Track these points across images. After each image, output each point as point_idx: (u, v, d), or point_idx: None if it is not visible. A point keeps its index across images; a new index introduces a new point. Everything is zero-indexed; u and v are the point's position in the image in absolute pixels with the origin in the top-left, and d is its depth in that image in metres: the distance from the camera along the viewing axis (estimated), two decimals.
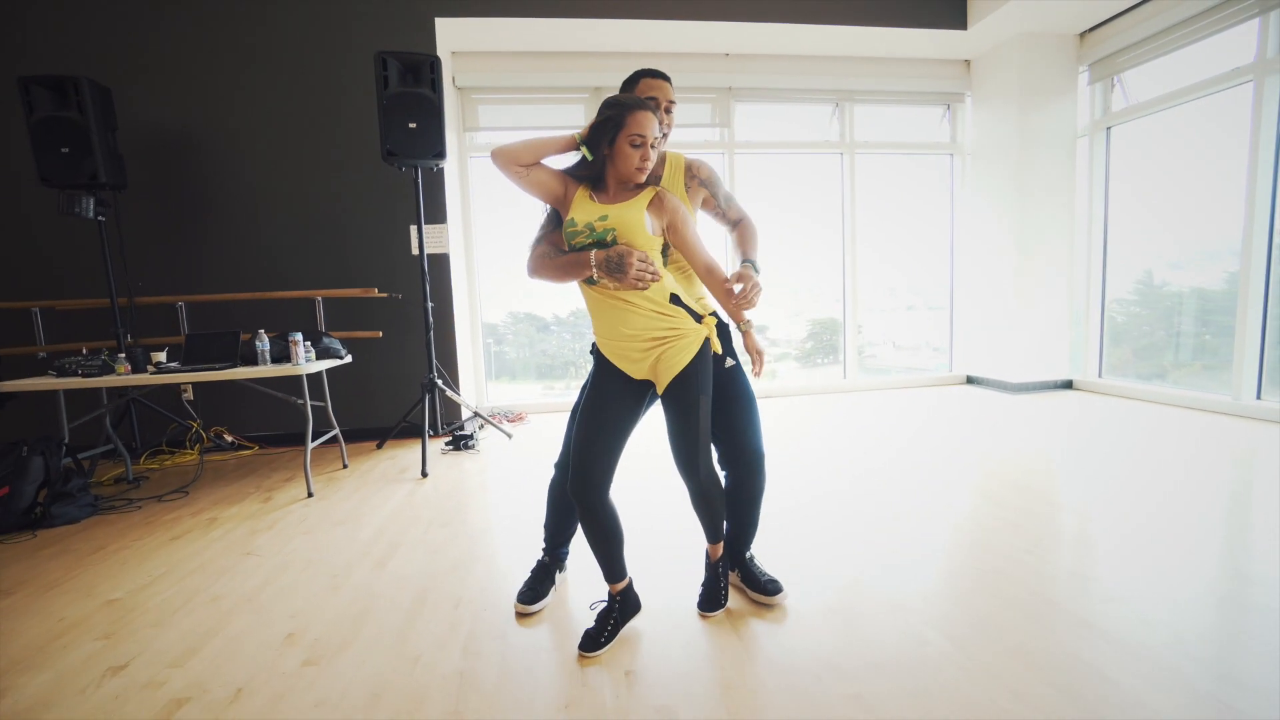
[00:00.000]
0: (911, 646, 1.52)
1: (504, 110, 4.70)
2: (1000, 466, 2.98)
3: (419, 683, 1.46)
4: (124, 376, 2.78)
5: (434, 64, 3.23)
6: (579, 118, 4.76)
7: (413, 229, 3.97)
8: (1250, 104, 3.68)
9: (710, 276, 1.61)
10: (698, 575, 1.83)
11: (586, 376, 1.71)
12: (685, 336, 1.54)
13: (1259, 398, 3.75)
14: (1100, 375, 4.83)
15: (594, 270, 1.47)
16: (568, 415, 1.79)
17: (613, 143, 1.49)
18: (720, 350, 1.63)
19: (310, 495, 2.93)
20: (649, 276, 1.47)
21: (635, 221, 1.49)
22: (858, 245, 5.26)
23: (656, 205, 1.54)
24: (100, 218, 3.35)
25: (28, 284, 3.76)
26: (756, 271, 1.63)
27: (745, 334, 1.63)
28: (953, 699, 1.31)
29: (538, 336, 5.14)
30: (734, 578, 1.85)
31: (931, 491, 2.67)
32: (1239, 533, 2.15)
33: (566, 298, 5.05)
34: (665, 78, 1.70)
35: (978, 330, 5.28)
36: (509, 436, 4.00)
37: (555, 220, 1.62)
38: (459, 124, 4.56)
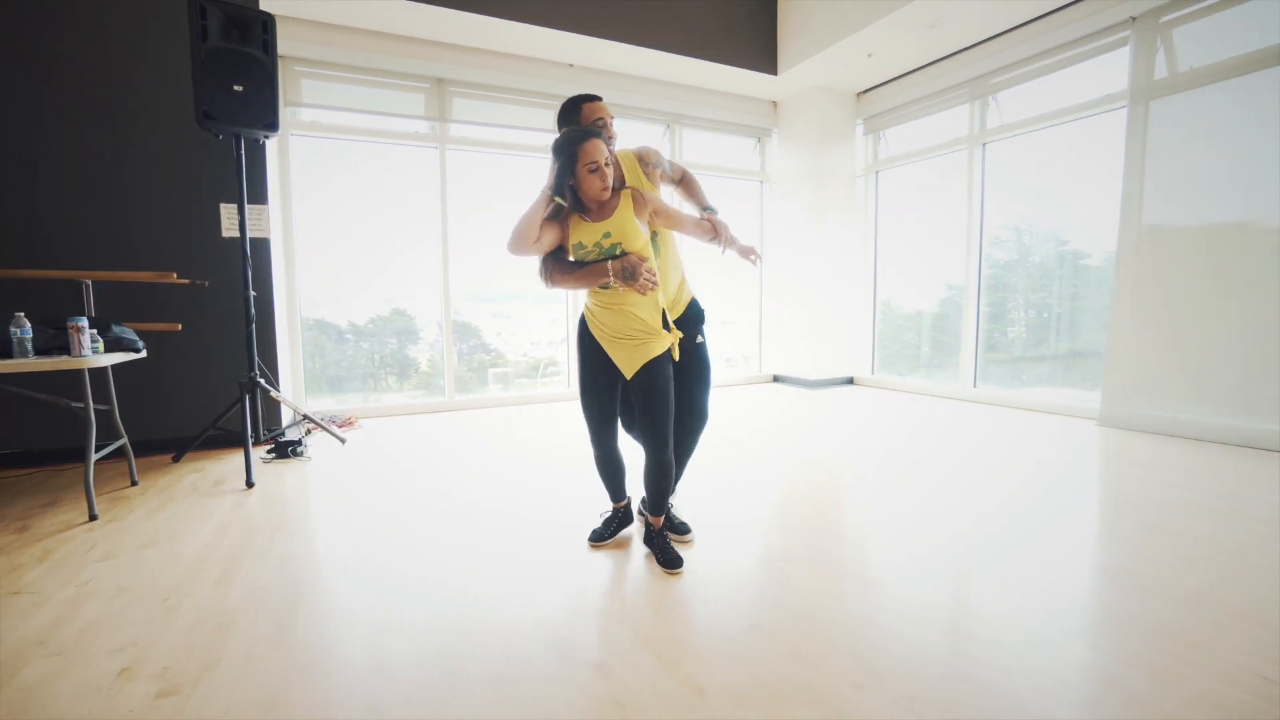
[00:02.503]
0: (783, 578, 1.79)
1: (331, 88, 4.29)
2: (806, 449, 3.53)
3: (325, 687, 1.33)
4: None
5: (267, 22, 2.86)
6: (417, 107, 4.54)
7: (225, 208, 3.43)
8: (966, 167, 4.87)
9: (697, 228, 2.02)
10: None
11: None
12: (657, 338, 1.88)
13: (975, 386, 4.95)
14: (873, 372, 5.92)
15: (611, 277, 1.80)
16: (410, 418, 1.86)
17: (573, 175, 1.78)
18: (677, 357, 1.98)
19: (94, 518, 2.38)
20: (653, 283, 1.81)
21: (630, 227, 1.82)
22: (688, 258, 5.75)
23: (638, 204, 1.87)
24: None
25: None
26: (716, 213, 2.06)
27: (734, 247, 2.07)
28: (826, 616, 1.59)
29: (327, 345, 4.65)
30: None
31: (758, 476, 3.08)
32: (976, 488, 2.85)
33: (368, 304, 4.71)
34: (600, 99, 1.99)
35: (783, 336, 6.12)
36: (342, 441, 3.63)
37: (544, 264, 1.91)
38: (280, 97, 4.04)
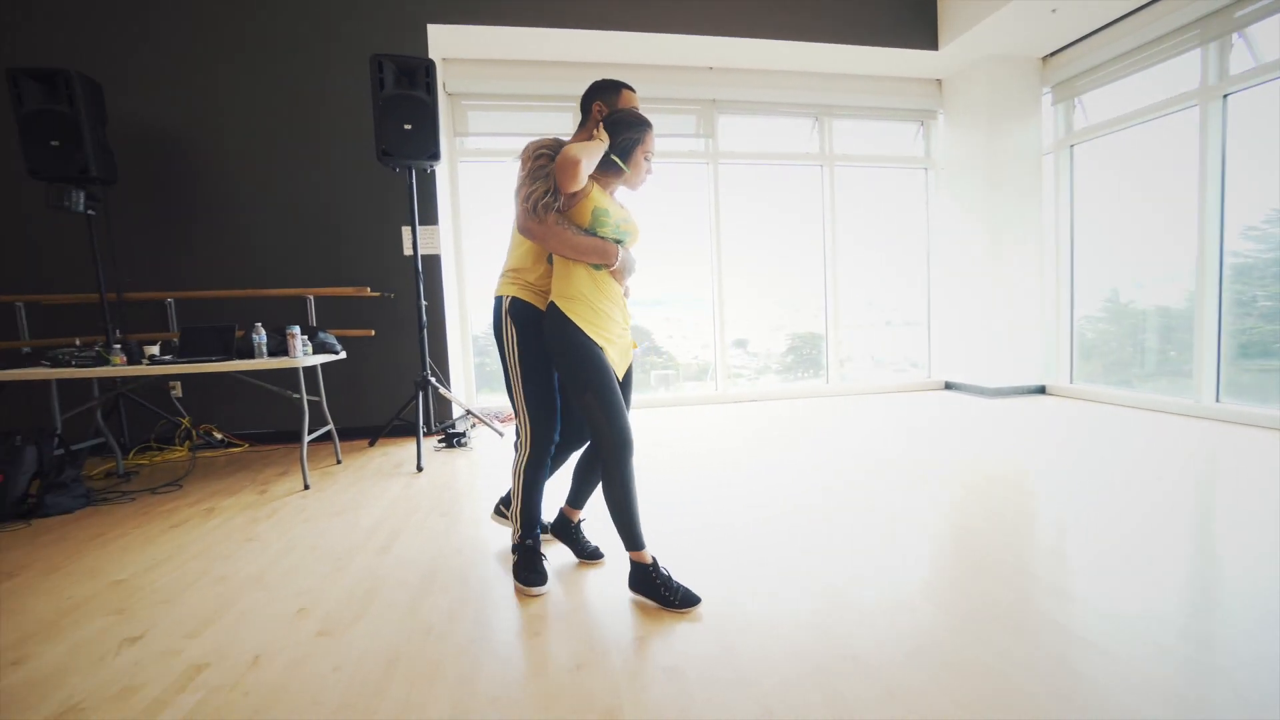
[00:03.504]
0: (903, 615, 1.63)
1: (492, 117, 4.80)
2: (982, 464, 3.13)
3: (434, 650, 1.52)
4: (119, 367, 2.79)
5: (429, 68, 3.33)
6: (567, 125, 4.88)
7: (405, 230, 4.03)
8: (1197, 127, 3.95)
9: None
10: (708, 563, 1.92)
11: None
12: (629, 335, 1.85)
13: (1218, 400, 3.97)
14: (1071, 380, 5.06)
15: (614, 262, 1.71)
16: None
17: (630, 154, 1.74)
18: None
19: (307, 488, 2.96)
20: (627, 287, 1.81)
21: (639, 230, 1.81)
22: (839, 256, 5.45)
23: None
24: (90, 211, 3.35)
25: (11, 277, 3.72)
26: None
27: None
28: (942, 658, 1.42)
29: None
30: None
31: (917, 489, 2.80)
32: (1212, 526, 2.31)
33: None
34: (634, 90, 1.95)
35: (955, 338, 5.49)
36: (500, 435, 4.05)
37: (551, 194, 1.67)
38: (449, 129, 4.64)
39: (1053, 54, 4.83)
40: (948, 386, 5.64)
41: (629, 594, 1.77)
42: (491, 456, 3.56)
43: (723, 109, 5.07)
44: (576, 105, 4.82)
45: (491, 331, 1.91)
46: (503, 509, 2.22)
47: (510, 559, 1.99)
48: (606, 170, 1.74)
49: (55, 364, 2.81)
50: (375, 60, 3.23)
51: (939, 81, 5.33)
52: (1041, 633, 1.50)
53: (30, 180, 3.27)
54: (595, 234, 1.70)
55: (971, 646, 1.45)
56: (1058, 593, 1.71)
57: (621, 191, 1.85)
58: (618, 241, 1.73)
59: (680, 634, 1.56)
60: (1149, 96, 4.26)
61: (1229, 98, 3.81)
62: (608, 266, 1.72)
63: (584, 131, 1.87)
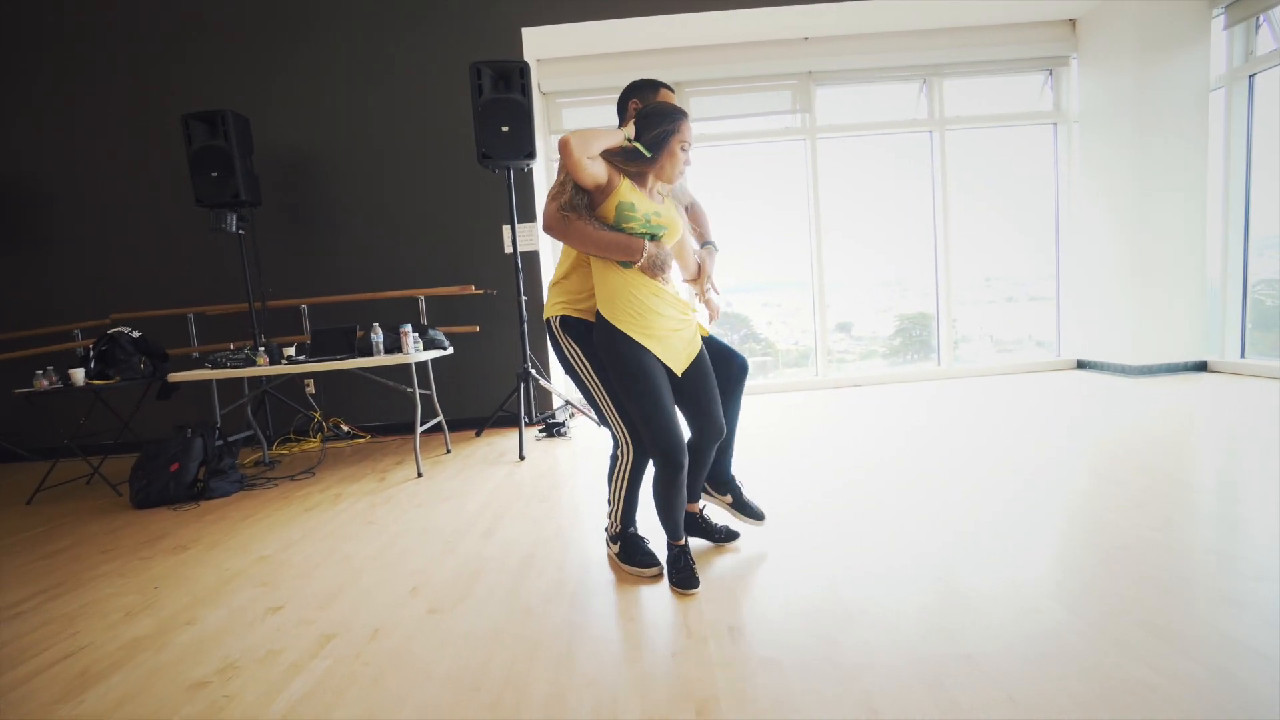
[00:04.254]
0: (1026, 616, 1.45)
1: (585, 112, 4.87)
2: (1121, 451, 2.75)
3: (533, 629, 1.56)
4: (264, 367, 3.14)
5: (524, 70, 3.42)
6: None
7: (505, 228, 4.20)
8: None
9: (689, 260, 1.90)
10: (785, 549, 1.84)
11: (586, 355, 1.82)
12: (692, 323, 1.80)
13: None
14: (1243, 355, 4.32)
15: (643, 258, 1.64)
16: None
17: (666, 144, 1.67)
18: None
19: (420, 475, 3.18)
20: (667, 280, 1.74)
21: (677, 220, 1.74)
22: (950, 230, 5.01)
23: (693, 215, 1.95)
24: (240, 231, 3.79)
25: (183, 294, 4.30)
26: (715, 250, 2.00)
27: (704, 298, 1.95)
28: (1073, 665, 1.25)
29: None
30: (725, 502, 2.05)
31: (1054, 472, 2.52)
32: None
33: None
34: (672, 89, 1.92)
35: (1090, 311, 4.88)
36: (598, 423, 4.12)
37: (580, 193, 1.66)
38: (544, 128, 4.77)
39: None
40: (1080, 365, 5.03)
41: (727, 581, 1.73)
42: (589, 445, 3.63)
43: (820, 80, 4.81)
44: (671, 91, 4.84)
45: (555, 355, 1.91)
46: (708, 487, 2.07)
47: (607, 548, 2.01)
48: (638, 163, 1.67)
49: (215, 366, 3.20)
50: (474, 68, 3.38)
51: (1072, 22, 4.71)
52: (1202, 643, 1.28)
53: (197, 208, 3.76)
54: (621, 229, 1.65)
55: (1111, 654, 1.26)
56: (1222, 599, 1.45)
57: (671, 187, 1.82)
58: (652, 237, 1.67)
59: (779, 624, 1.49)
60: None
61: None
62: (633, 263, 1.65)
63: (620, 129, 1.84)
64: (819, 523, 2.15)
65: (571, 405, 4.16)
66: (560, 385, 4.73)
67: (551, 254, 4.82)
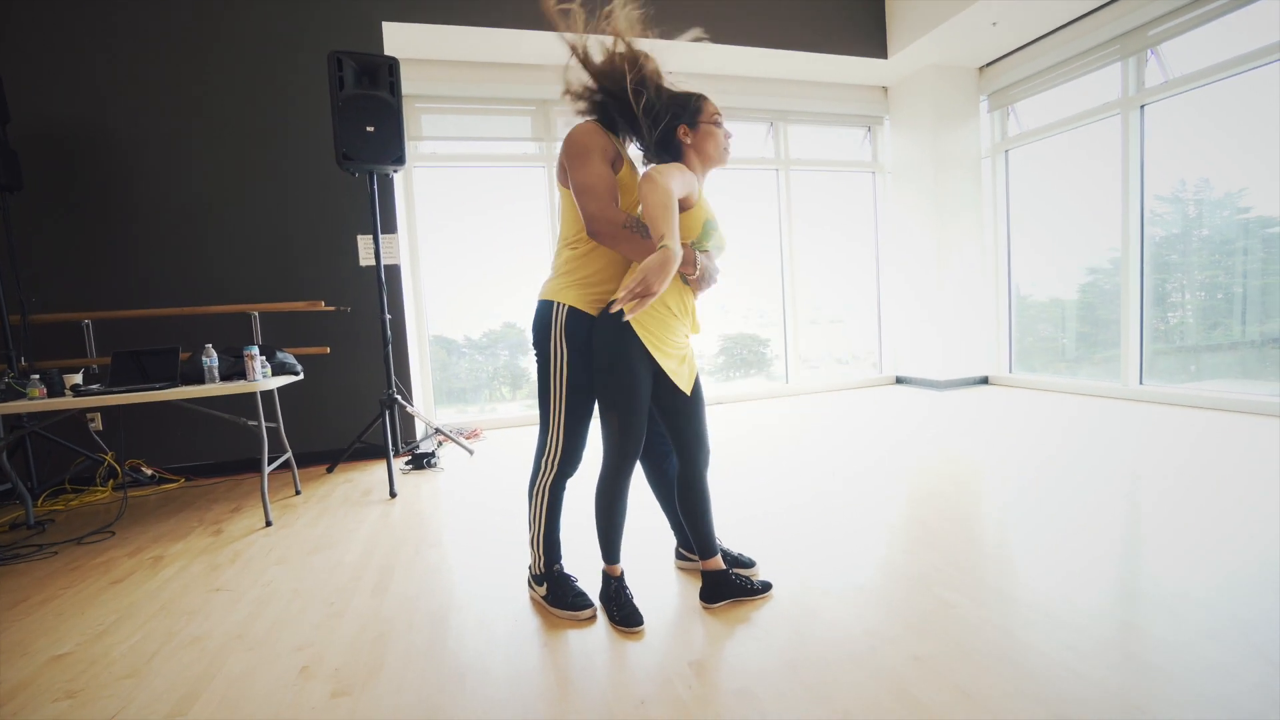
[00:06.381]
0: (942, 609, 1.62)
1: (447, 120, 4.58)
2: (934, 455, 3.24)
3: (478, 697, 1.38)
4: (40, 400, 2.42)
5: (393, 66, 3.11)
6: (524, 129, 4.72)
7: (361, 239, 3.76)
8: (1120, 133, 4.29)
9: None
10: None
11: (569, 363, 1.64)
12: (690, 344, 1.73)
13: (1141, 383, 4.34)
14: (1010, 370, 5.38)
15: (695, 270, 1.53)
16: (526, 429, 1.69)
17: (694, 128, 1.57)
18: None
19: (269, 524, 2.67)
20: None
21: (725, 243, 1.66)
22: (795, 257, 5.56)
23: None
24: None
25: None
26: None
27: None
28: (1001, 663, 1.42)
29: (448, 360, 4.95)
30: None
31: (886, 482, 2.86)
32: (1151, 505, 2.47)
33: (481, 319, 4.97)
34: None
35: (904, 334, 5.72)
36: (470, 453, 3.84)
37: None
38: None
39: (989, 64, 5.14)
40: (899, 381, 5.87)
41: (667, 613, 1.69)
42: (465, 477, 3.35)
43: None
44: (534, 109, 4.76)
45: (532, 332, 1.68)
46: (684, 552, 1.98)
47: (530, 591, 1.85)
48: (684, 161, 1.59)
49: None
50: (334, 57, 2.97)
51: (885, 89, 5.56)
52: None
53: None
54: (696, 247, 1.55)
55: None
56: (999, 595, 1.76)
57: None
58: (698, 246, 1.57)
59: (737, 654, 1.49)
60: (1075, 105, 4.60)
61: (1146, 107, 4.17)
62: (685, 275, 1.55)
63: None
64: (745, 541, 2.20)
65: (442, 433, 3.82)
66: (423, 410, 4.33)
67: (410, 267, 4.43)
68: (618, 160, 1.59)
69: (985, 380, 5.48)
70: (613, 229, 1.49)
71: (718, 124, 1.61)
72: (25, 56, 3.28)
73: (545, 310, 1.66)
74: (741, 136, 5.37)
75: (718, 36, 4.44)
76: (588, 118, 1.65)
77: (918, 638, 1.51)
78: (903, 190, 5.54)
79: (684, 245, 1.54)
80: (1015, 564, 1.89)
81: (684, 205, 1.54)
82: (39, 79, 3.30)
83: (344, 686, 1.45)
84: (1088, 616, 1.55)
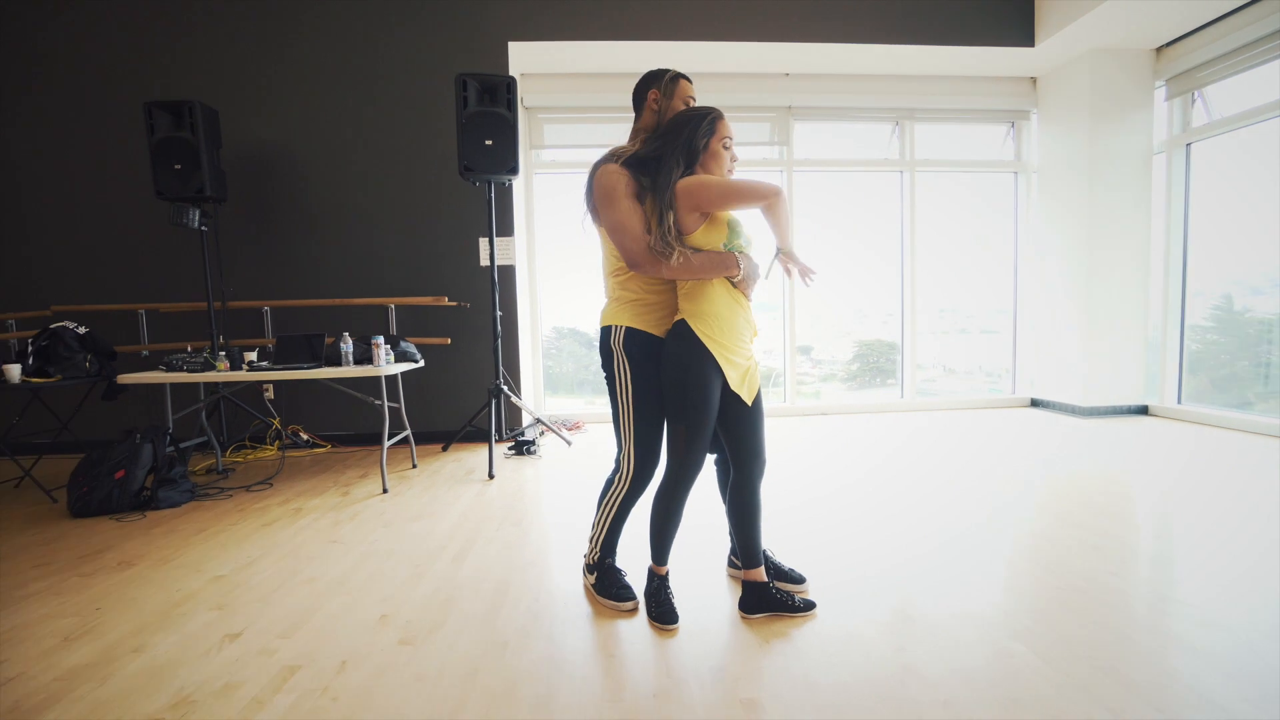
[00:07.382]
0: (997, 659, 1.50)
1: (567, 129, 4.88)
2: (1077, 488, 2.89)
3: (510, 665, 1.53)
4: (224, 373, 3.00)
5: (510, 84, 3.41)
6: None
7: (482, 241, 4.15)
8: None
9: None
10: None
11: (631, 375, 1.72)
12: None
13: None
14: (1179, 401, 4.61)
15: (739, 271, 1.62)
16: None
17: (706, 148, 1.62)
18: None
19: (385, 491, 3.08)
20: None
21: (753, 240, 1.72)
22: (917, 265, 5.20)
23: None
24: (204, 228, 3.63)
25: (136, 288, 4.08)
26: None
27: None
28: (1046, 711, 1.30)
29: (582, 352, 5.23)
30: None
31: (1005, 511, 2.61)
32: None
33: (592, 316, 5.15)
34: (690, 79, 1.79)
35: (1044, 352, 5.13)
36: (568, 443, 4.09)
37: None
38: (526, 142, 4.75)
39: (1168, 44, 4.43)
40: (1034, 404, 5.27)
41: (703, 616, 1.73)
42: (559, 465, 3.59)
43: (798, 115, 4.95)
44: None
45: (600, 359, 1.81)
46: (734, 560, 2.01)
47: (583, 578, 1.98)
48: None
49: (170, 369, 3.04)
50: (460, 79, 3.35)
51: (1033, 80, 5.00)
52: (1161, 691, 1.34)
53: (156, 200, 3.59)
54: (730, 247, 1.63)
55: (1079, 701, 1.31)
56: (1175, 644, 1.53)
57: None
58: (738, 250, 1.65)
59: (760, 665, 1.50)
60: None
61: None
62: (732, 279, 1.63)
63: (639, 124, 1.79)
64: (802, 556, 2.17)
65: (542, 424, 4.11)
66: (530, 401, 4.67)
67: (526, 267, 4.78)
68: (640, 193, 1.67)
69: (1144, 410, 4.74)
70: (650, 258, 1.59)
71: (726, 146, 1.66)
72: (234, 91, 4.03)
73: (605, 335, 1.78)
74: (861, 138, 5.13)
75: (843, 35, 4.29)
76: (608, 162, 1.70)
77: (962, 684, 1.42)
78: (1050, 192, 4.96)
79: (720, 250, 1.63)
80: (1106, 626, 1.68)
81: (705, 211, 1.61)
82: (243, 110, 4.03)
83: (410, 636, 1.68)
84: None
